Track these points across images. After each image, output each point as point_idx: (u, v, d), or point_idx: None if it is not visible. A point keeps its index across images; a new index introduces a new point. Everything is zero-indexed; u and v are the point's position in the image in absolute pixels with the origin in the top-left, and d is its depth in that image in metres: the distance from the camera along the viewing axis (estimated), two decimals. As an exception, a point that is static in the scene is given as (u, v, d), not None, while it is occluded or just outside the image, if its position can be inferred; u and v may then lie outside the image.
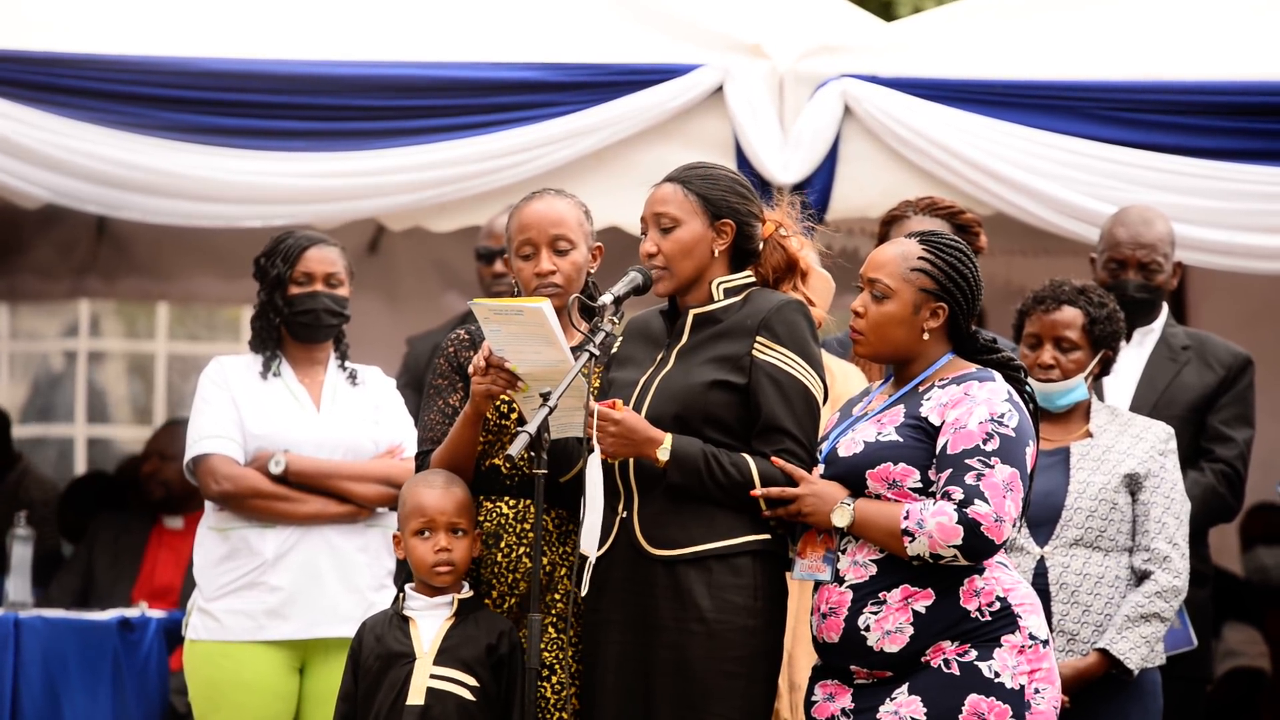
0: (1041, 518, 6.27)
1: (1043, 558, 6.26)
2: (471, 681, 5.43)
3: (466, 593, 5.52)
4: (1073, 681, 6.16)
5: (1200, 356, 7.15)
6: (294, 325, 6.64)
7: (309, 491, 6.55)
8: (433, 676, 5.43)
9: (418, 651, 5.46)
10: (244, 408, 6.58)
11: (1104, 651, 6.20)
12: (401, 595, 5.57)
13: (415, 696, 5.40)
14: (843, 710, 5.23)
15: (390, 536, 6.65)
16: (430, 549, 5.47)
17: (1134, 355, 7.08)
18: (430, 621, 5.50)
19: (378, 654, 5.49)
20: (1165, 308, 7.25)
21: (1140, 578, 6.28)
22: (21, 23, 7.74)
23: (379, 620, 5.57)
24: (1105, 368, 6.49)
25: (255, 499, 6.52)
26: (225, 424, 6.57)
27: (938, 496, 5.14)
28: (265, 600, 6.49)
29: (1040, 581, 6.22)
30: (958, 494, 5.11)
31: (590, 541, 5.23)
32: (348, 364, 6.74)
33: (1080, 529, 6.27)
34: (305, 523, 6.54)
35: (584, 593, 5.28)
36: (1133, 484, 6.30)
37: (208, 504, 6.61)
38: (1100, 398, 6.76)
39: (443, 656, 5.44)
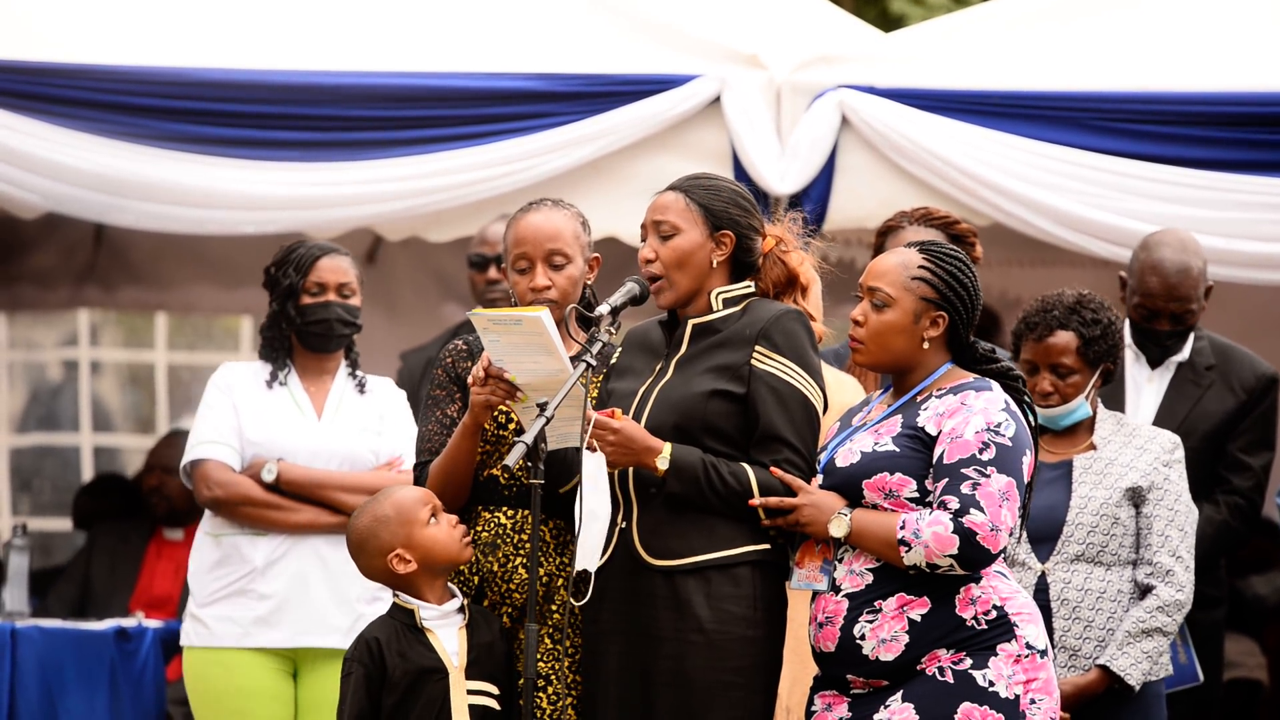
0: (1043, 533, 6.24)
1: (1044, 573, 6.25)
2: (496, 691, 5.40)
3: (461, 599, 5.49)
4: (1073, 698, 6.15)
5: (1224, 379, 7.07)
6: (306, 335, 6.64)
7: (302, 501, 6.56)
8: (468, 691, 5.37)
9: (449, 665, 5.38)
10: (244, 414, 6.59)
11: (1104, 668, 6.19)
12: (403, 607, 5.44)
13: (459, 717, 5.32)
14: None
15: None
16: (451, 524, 5.39)
17: (1157, 378, 7.04)
18: (447, 631, 5.42)
19: (404, 670, 5.36)
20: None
21: (1143, 592, 6.26)
22: (19, 33, 7.74)
23: (388, 635, 5.41)
24: (1107, 378, 6.44)
25: (246, 506, 6.53)
26: (223, 430, 6.57)
27: (934, 506, 5.14)
28: (254, 608, 6.49)
29: (1042, 597, 6.20)
30: (953, 503, 5.10)
31: (590, 554, 5.21)
32: (358, 373, 6.73)
33: (1082, 544, 6.25)
34: (296, 532, 6.55)
35: (583, 602, 5.27)
36: (1135, 497, 6.27)
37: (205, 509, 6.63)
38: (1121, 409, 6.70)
39: (472, 669, 5.38)
